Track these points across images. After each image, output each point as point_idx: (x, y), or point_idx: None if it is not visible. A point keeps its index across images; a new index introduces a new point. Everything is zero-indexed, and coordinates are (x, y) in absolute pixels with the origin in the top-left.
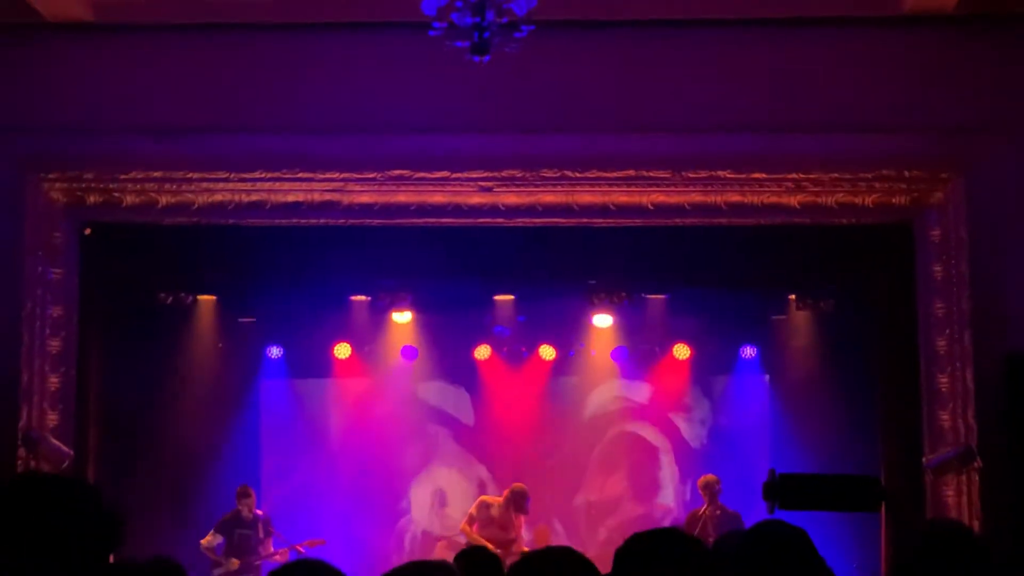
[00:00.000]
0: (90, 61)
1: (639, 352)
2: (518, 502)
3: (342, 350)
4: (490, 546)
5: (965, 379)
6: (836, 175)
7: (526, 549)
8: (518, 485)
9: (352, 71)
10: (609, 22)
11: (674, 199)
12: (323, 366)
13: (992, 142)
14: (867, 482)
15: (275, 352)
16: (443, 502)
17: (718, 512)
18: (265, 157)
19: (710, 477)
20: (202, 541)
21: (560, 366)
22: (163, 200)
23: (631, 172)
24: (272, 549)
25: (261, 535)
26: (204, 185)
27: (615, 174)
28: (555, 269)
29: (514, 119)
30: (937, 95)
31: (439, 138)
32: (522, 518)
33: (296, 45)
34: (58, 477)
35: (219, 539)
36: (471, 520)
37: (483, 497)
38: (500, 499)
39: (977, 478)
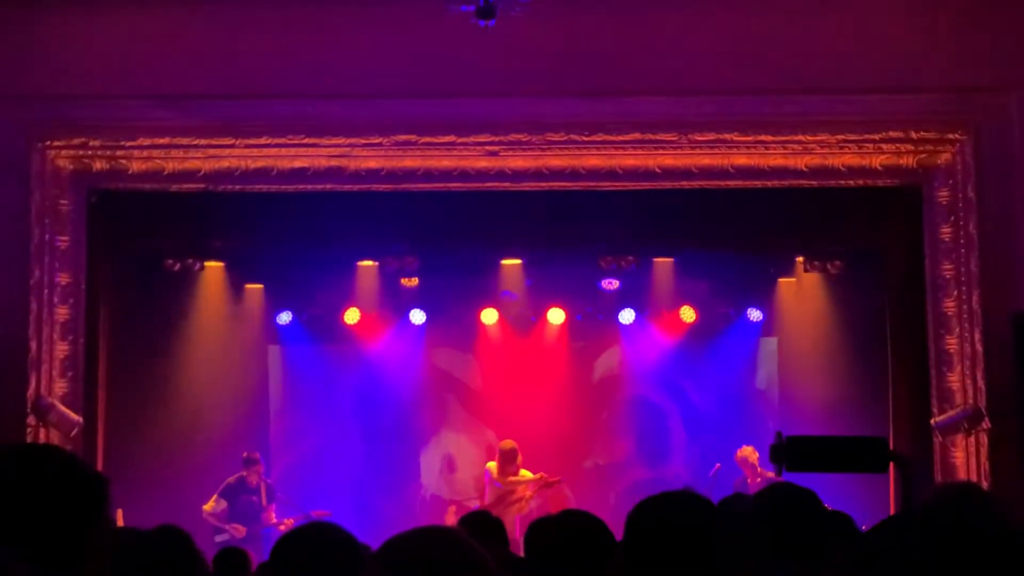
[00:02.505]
0: (96, 28)
1: (647, 315)
2: (504, 459)
3: (351, 315)
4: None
5: (973, 340)
6: (843, 137)
7: (529, 493)
8: (502, 443)
9: (357, 36)
10: None
11: (681, 162)
12: (332, 332)
13: (1000, 102)
14: (875, 444)
15: (284, 318)
16: (452, 467)
17: (759, 480)
18: (271, 123)
19: (747, 449)
20: (205, 507)
21: (568, 330)
22: (169, 167)
23: (638, 135)
24: (275, 518)
25: (265, 502)
26: (210, 151)
27: (622, 137)
28: (562, 233)
29: (520, 83)
30: (945, 55)
31: (445, 103)
32: (521, 472)
33: (301, 10)
34: (23, 446)
35: (223, 505)
36: (484, 492)
37: (487, 465)
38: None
39: (986, 439)
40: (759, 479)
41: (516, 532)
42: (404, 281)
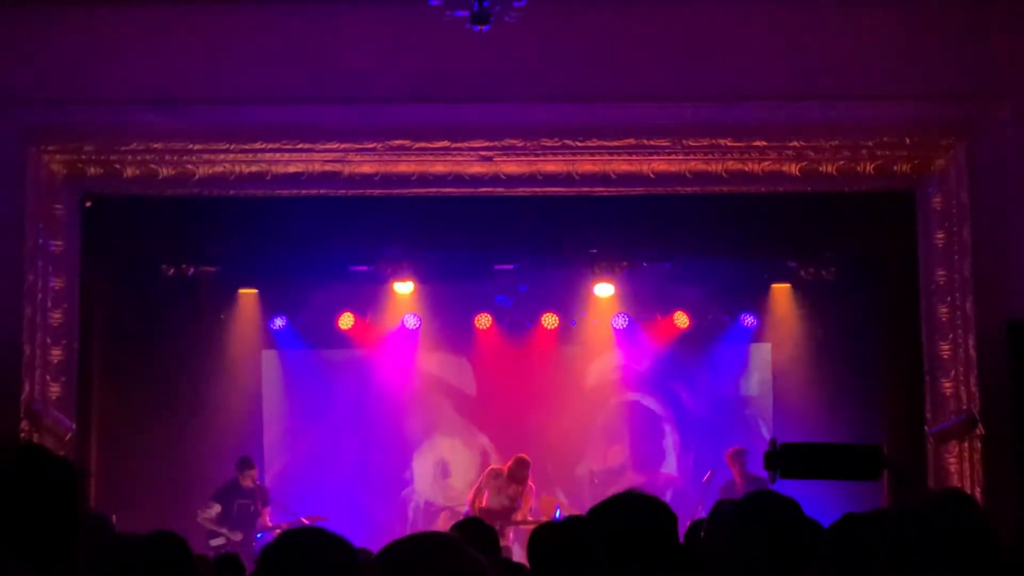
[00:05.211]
0: (90, 32)
1: (640, 321)
2: (512, 472)
3: (345, 320)
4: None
5: (967, 346)
6: (837, 142)
7: (529, 519)
8: (519, 455)
9: (352, 41)
10: None
11: (675, 167)
12: (326, 337)
13: (994, 107)
14: (869, 451)
15: (278, 323)
16: (445, 473)
17: (747, 480)
18: (265, 128)
19: (738, 448)
20: (200, 512)
21: (562, 335)
22: (164, 171)
23: (631, 141)
24: (269, 521)
25: (260, 506)
26: (205, 156)
27: (616, 143)
28: (556, 238)
29: (514, 88)
30: (938, 61)
31: (439, 108)
32: (532, 491)
33: (295, 15)
34: None
35: (217, 509)
36: (479, 491)
37: (493, 466)
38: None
39: (979, 445)
40: (747, 479)
41: (509, 540)
42: (398, 286)
